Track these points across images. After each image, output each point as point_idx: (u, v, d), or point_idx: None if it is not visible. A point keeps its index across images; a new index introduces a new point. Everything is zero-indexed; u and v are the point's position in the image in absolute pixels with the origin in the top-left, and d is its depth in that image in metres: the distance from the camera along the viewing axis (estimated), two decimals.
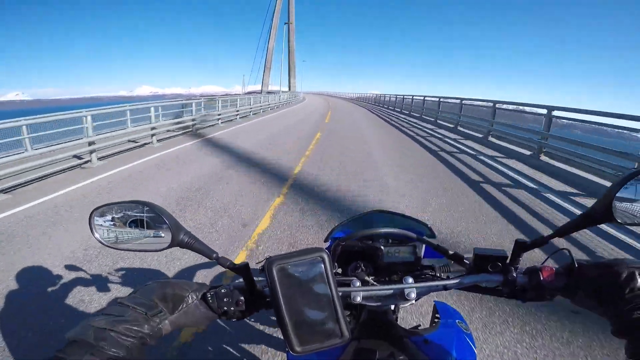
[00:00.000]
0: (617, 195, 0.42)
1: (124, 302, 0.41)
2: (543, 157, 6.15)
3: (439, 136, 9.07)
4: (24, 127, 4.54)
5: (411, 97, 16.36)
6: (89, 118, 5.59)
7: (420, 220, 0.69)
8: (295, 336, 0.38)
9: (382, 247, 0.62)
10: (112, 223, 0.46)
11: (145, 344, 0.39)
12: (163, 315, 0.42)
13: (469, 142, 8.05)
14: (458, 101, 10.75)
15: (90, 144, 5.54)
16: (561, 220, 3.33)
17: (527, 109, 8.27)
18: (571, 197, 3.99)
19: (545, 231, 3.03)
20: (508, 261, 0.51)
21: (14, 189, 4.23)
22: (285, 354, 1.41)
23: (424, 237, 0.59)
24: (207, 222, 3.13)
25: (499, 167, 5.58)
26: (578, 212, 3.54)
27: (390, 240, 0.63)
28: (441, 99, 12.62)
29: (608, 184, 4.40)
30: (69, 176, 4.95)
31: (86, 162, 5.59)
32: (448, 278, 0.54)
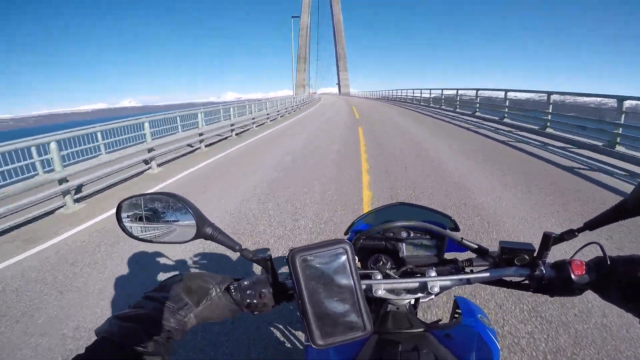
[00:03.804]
0: None
1: (151, 295, 0.42)
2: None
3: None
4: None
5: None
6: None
7: (443, 213, 0.67)
8: (318, 329, 0.38)
9: (404, 240, 0.62)
10: (139, 215, 0.46)
11: (171, 338, 0.39)
12: (188, 308, 0.42)
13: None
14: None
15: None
16: None
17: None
18: None
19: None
20: (535, 254, 0.49)
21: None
22: (302, 348, 1.50)
23: (447, 231, 0.57)
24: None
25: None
26: None
27: (412, 234, 0.62)
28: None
29: None
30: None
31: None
32: (472, 272, 0.52)
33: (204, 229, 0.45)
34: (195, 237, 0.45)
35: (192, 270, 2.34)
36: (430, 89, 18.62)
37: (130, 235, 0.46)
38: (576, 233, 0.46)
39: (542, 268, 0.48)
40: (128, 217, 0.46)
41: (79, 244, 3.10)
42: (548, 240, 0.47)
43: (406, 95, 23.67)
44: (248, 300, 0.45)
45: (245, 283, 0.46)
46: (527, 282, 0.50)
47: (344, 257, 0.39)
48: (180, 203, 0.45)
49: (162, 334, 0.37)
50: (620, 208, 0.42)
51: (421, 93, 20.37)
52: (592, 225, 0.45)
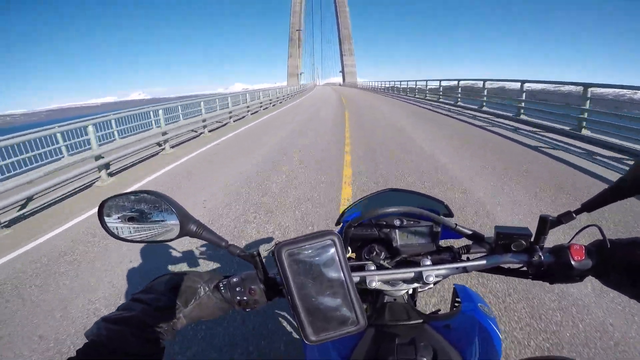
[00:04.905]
0: None
1: (138, 297, 0.42)
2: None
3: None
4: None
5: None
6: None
7: (436, 198, 0.65)
8: (310, 324, 0.37)
9: (397, 229, 0.60)
10: (121, 214, 0.45)
11: (161, 339, 0.39)
12: (177, 308, 0.42)
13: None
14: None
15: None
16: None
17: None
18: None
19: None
20: (532, 239, 0.48)
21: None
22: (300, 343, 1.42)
23: (441, 217, 0.55)
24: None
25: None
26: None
27: (405, 222, 0.60)
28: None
29: None
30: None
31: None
32: (468, 260, 0.51)
33: (188, 226, 0.44)
34: (180, 235, 0.44)
35: (183, 267, 2.41)
36: (415, 80, 19.60)
37: (113, 235, 0.45)
38: (574, 215, 0.45)
39: (540, 254, 0.47)
40: (110, 217, 0.45)
41: None
42: (545, 224, 0.46)
43: (399, 86, 24.00)
44: (238, 298, 0.45)
45: (234, 280, 0.46)
46: (525, 269, 0.49)
47: (332, 250, 0.38)
48: (163, 201, 0.43)
49: (152, 335, 0.38)
50: (618, 188, 0.42)
51: (407, 84, 21.08)
52: (589, 206, 0.44)
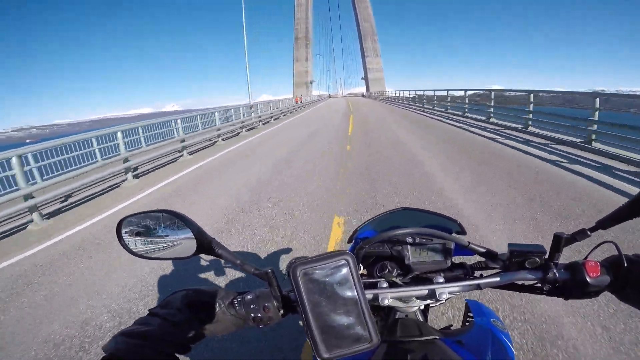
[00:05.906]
0: None
1: (155, 312, 0.43)
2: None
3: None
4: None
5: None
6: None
7: (448, 217, 0.65)
8: (322, 342, 0.38)
9: (409, 246, 0.61)
10: (139, 233, 0.46)
11: (177, 354, 0.40)
12: (193, 323, 0.43)
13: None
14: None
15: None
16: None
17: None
18: None
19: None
20: (547, 256, 0.48)
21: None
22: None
23: (454, 235, 0.55)
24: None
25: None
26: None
27: (417, 239, 0.60)
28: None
29: None
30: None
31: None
32: (481, 276, 0.51)
33: (204, 244, 0.46)
34: (196, 252, 0.46)
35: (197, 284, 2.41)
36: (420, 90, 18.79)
37: (131, 251, 0.47)
38: (589, 233, 0.45)
39: (555, 271, 0.47)
40: (128, 234, 0.47)
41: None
42: (559, 242, 0.46)
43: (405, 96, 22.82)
44: (252, 314, 0.46)
45: (249, 297, 0.47)
46: (539, 285, 0.49)
47: (345, 269, 0.39)
48: (180, 220, 0.45)
49: (168, 349, 0.40)
50: (634, 205, 0.41)
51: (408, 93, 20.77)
52: (605, 223, 0.44)
